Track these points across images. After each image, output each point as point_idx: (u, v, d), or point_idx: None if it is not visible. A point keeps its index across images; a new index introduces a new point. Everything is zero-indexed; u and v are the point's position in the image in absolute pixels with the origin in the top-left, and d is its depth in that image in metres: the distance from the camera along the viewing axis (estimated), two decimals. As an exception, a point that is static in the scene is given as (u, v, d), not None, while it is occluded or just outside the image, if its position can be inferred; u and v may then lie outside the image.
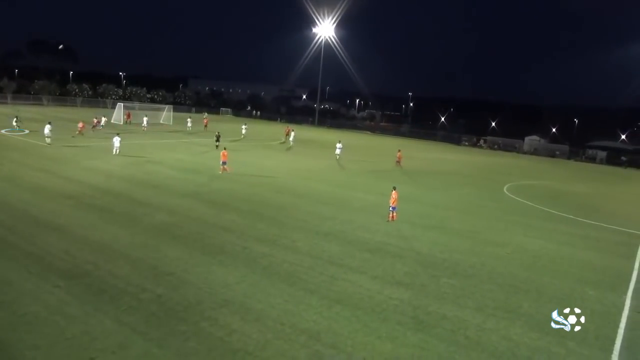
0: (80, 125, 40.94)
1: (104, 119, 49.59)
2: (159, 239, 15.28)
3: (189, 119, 57.54)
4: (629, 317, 12.38)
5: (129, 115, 59.11)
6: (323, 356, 9.17)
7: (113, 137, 32.35)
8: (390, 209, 19.96)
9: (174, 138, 47.00)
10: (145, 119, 52.53)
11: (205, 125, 59.23)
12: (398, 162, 39.42)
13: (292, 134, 49.73)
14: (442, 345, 10.00)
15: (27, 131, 40.17)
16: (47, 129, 33.62)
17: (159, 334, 9.40)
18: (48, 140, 33.40)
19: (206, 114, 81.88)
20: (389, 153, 47.01)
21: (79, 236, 14.89)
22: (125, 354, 8.65)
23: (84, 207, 18.44)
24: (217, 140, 39.95)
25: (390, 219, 19.93)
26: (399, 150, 40.94)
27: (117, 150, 31.66)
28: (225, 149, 29.97)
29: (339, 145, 40.18)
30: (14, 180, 22.16)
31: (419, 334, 10.38)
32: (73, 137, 38.99)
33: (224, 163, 28.16)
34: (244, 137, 51.24)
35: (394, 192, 20.01)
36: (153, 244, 14.72)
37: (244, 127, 53.99)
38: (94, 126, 45.20)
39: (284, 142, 51.07)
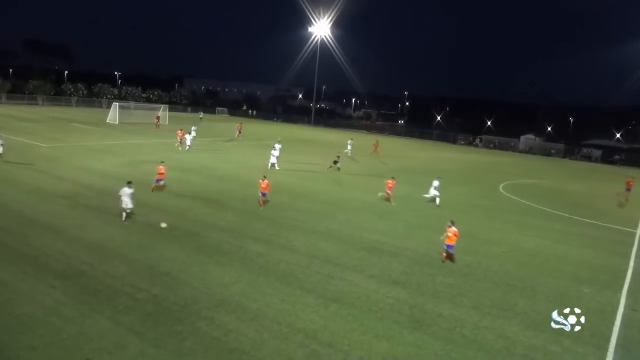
0: (179, 133, 38.20)
1: (192, 132, 40.58)
2: (155, 238, 15.23)
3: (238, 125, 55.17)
4: (624, 315, 12.47)
5: (158, 118, 57.00)
6: (320, 355, 9.17)
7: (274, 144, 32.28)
8: (445, 246, 15.33)
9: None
10: (193, 128, 42.60)
11: (239, 132, 53.67)
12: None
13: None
14: (439, 343, 10.04)
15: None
16: None
17: (155, 334, 9.38)
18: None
19: (202, 113, 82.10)
20: (385, 152, 47.12)
21: (74, 236, 14.82)
22: (121, 354, 8.63)
23: (79, 207, 18.35)
24: (336, 163, 33.03)
25: (444, 258, 15.38)
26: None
27: (276, 166, 30.15)
28: (162, 162, 23.09)
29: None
30: (9, 180, 22.00)
31: (416, 333, 10.41)
32: (176, 145, 37.31)
33: (158, 180, 22.02)
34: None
35: (452, 227, 15.16)
36: (149, 243, 14.68)
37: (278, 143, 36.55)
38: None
39: (352, 158, 41.94)
